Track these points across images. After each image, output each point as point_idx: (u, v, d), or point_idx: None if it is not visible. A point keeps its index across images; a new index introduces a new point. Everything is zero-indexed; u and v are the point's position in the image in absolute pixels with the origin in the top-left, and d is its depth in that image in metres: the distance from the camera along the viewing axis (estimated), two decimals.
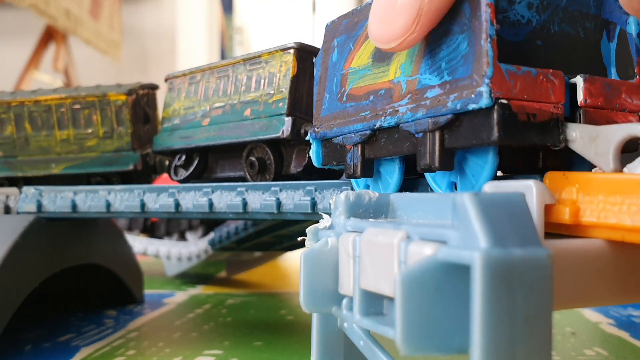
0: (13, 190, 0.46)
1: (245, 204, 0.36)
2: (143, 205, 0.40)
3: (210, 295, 0.61)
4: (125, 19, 2.10)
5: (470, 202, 0.19)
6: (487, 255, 0.18)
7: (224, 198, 0.37)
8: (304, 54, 0.39)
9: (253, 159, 0.40)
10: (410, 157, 0.28)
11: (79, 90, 0.48)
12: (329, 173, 0.37)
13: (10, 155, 0.49)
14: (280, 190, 0.35)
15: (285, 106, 0.38)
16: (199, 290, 0.64)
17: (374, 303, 0.23)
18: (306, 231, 0.27)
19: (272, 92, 0.39)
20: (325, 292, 0.25)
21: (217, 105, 0.43)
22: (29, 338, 0.44)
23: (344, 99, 0.31)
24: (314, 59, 0.35)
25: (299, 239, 0.28)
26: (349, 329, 0.26)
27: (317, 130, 0.32)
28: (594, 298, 0.25)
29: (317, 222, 0.28)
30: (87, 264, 0.50)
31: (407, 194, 0.26)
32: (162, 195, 0.40)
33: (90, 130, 0.47)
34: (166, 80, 0.47)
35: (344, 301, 0.25)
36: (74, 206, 0.42)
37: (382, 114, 0.28)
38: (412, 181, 0.30)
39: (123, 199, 0.41)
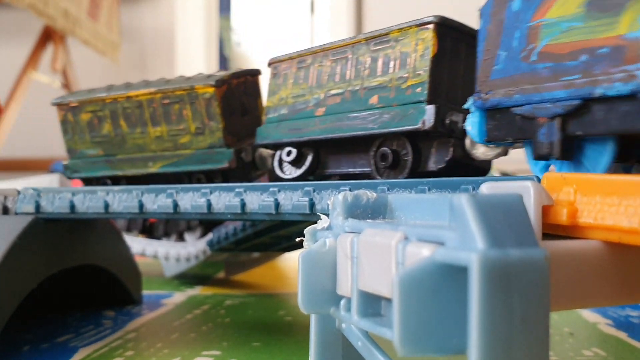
0: (11, 190, 0.46)
1: (243, 204, 0.36)
2: (141, 206, 0.40)
3: (208, 296, 0.60)
4: (124, 20, 2.10)
5: (467, 203, 0.19)
6: (484, 256, 0.18)
7: (222, 199, 0.37)
8: (445, 30, 0.34)
9: (387, 150, 0.35)
10: (625, 137, 0.24)
11: (168, 83, 0.46)
12: (471, 170, 0.34)
13: (110, 153, 0.47)
14: (279, 191, 0.35)
15: (425, 92, 0.33)
16: (198, 291, 0.64)
17: (372, 304, 0.23)
18: (304, 232, 0.27)
19: (405, 75, 0.34)
20: (323, 292, 0.26)
21: (333, 92, 0.38)
22: (28, 339, 0.44)
23: (534, 58, 0.26)
24: (480, 11, 0.29)
25: (297, 239, 0.28)
26: (347, 330, 0.26)
27: (484, 97, 0.28)
28: (591, 299, 0.25)
29: (316, 222, 0.28)
30: (86, 265, 0.50)
31: (405, 194, 0.27)
32: (160, 196, 0.40)
33: (182, 126, 0.44)
34: (270, 64, 0.43)
35: (342, 302, 0.25)
36: (72, 207, 0.42)
37: (605, 80, 0.23)
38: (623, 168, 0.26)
39: (121, 199, 0.41)
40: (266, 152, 0.44)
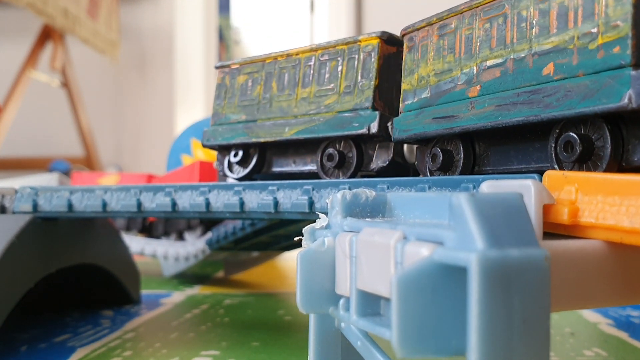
0: (9, 189, 0.45)
1: (242, 203, 0.36)
2: (139, 204, 0.40)
3: (207, 296, 0.60)
4: (123, 19, 2.10)
5: (466, 203, 0.19)
6: (484, 256, 0.18)
7: (221, 197, 0.37)
8: None
9: (574, 137, 0.26)
10: None
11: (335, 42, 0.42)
12: None
13: (251, 119, 0.44)
14: (278, 190, 0.35)
15: (628, 52, 0.24)
16: (197, 290, 0.64)
17: (371, 303, 0.23)
18: (303, 231, 0.27)
19: (594, 30, 0.25)
20: (322, 292, 0.25)
21: (490, 63, 0.30)
22: (25, 338, 0.44)
23: None
24: None
25: (296, 238, 0.28)
26: (346, 330, 0.26)
27: None
28: (592, 300, 0.25)
29: (315, 221, 0.27)
30: (84, 264, 0.50)
31: (405, 193, 0.26)
32: (158, 195, 0.40)
33: (331, 86, 0.40)
34: (403, 35, 0.36)
35: (341, 301, 0.25)
36: (70, 206, 0.42)
37: None
38: None
39: (119, 198, 0.41)
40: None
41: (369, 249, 0.22)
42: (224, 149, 0.46)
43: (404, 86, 0.35)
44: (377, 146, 0.38)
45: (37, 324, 0.48)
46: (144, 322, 0.49)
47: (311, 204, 0.33)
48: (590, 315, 0.51)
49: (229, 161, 0.45)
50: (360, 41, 0.39)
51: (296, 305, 0.26)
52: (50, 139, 2.15)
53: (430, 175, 0.34)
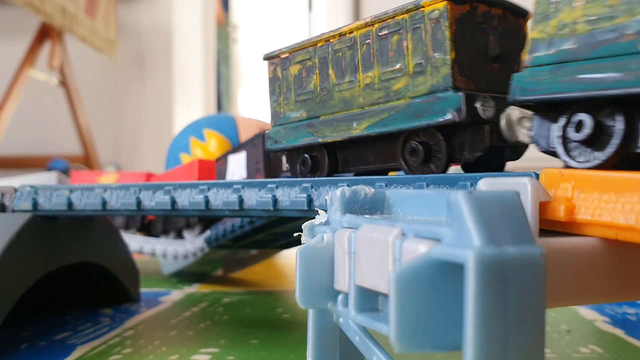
0: (8, 188, 0.46)
1: (241, 201, 0.36)
2: (139, 202, 0.40)
3: (206, 294, 0.60)
4: (121, 17, 2.10)
5: (463, 201, 0.19)
6: (480, 253, 0.18)
7: (220, 195, 0.37)
8: None
9: None
10: None
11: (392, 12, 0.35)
12: None
13: (313, 115, 0.39)
14: (276, 187, 0.35)
15: None
16: (195, 288, 0.64)
17: (369, 299, 0.23)
18: (302, 227, 0.27)
19: None
20: (321, 288, 0.26)
21: None
22: (25, 336, 0.44)
23: None
24: None
25: (295, 234, 0.28)
26: (344, 325, 0.26)
27: None
28: (588, 296, 0.25)
29: (314, 218, 0.28)
30: (83, 263, 0.50)
31: (403, 190, 0.27)
32: (158, 193, 0.40)
33: (398, 66, 0.34)
34: None
35: (340, 297, 0.25)
36: (70, 204, 0.42)
37: None
38: None
39: (119, 196, 0.41)
40: (517, 113, 0.31)
41: (368, 246, 0.23)
42: (291, 152, 0.42)
43: (533, 34, 0.28)
44: (467, 131, 0.32)
45: (38, 322, 0.48)
46: (143, 320, 0.49)
47: (310, 201, 0.33)
48: (586, 312, 0.51)
49: (300, 166, 0.41)
50: (423, 6, 0.32)
51: (295, 303, 0.26)
52: (49, 137, 2.15)
53: (568, 157, 0.27)
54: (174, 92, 2.19)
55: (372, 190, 0.26)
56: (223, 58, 2.90)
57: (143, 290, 0.60)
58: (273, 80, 0.41)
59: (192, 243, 0.63)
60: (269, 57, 0.42)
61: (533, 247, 0.19)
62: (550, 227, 0.26)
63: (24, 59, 1.66)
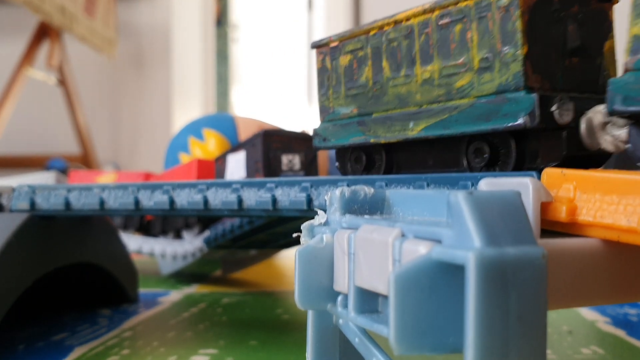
0: (6, 187, 0.45)
1: (240, 200, 0.36)
2: (137, 202, 0.40)
3: (205, 294, 0.60)
4: (120, 16, 2.10)
5: (464, 201, 0.19)
6: (481, 254, 0.18)
7: (219, 195, 0.37)
8: None
9: None
10: None
11: None
12: None
13: (364, 112, 0.35)
14: (276, 187, 0.35)
15: None
16: (194, 289, 0.64)
17: (369, 300, 0.23)
18: (301, 227, 0.27)
19: None
20: (320, 289, 0.25)
21: None
22: (23, 337, 0.44)
23: None
24: None
25: (294, 235, 0.28)
26: (344, 326, 0.26)
27: None
28: (589, 298, 0.25)
29: (313, 218, 0.27)
30: (81, 263, 0.50)
31: (403, 190, 0.26)
32: (156, 193, 0.40)
33: (461, 60, 0.30)
34: None
35: (339, 298, 0.25)
36: (68, 204, 0.42)
37: None
38: None
39: (117, 196, 0.41)
40: (599, 117, 0.27)
41: (367, 246, 0.22)
42: (342, 150, 0.39)
43: (635, 30, 0.24)
44: (541, 137, 0.29)
45: (35, 323, 0.48)
46: (141, 320, 0.49)
47: (309, 201, 0.33)
48: (588, 313, 0.51)
49: (352, 164, 0.38)
50: None
51: (294, 304, 0.26)
52: (47, 137, 2.15)
53: None
54: (173, 91, 2.19)
55: (372, 190, 0.26)
56: (222, 58, 2.90)
57: (141, 290, 0.60)
58: (322, 71, 0.38)
59: (191, 243, 0.62)
60: (317, 46, 0.38)
61: (534, 248, 0.19)
62: (551, 228, 0.26)
63: (23, 58, 1.66)
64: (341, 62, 0.37)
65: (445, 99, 0.31)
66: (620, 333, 0.45)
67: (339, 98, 0.37)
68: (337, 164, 0.39)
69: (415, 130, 0.32)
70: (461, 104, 0.30)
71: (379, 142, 0.34)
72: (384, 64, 0.34)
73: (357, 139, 0.36)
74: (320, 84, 0.38)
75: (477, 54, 0.29)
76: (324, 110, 0.38)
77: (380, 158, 0.36)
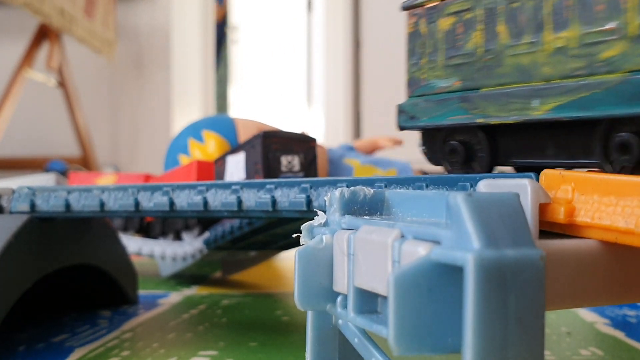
0: (6, 189, 0.45)
1: (240, 202, 0.36)
2: (137, 204, 0.40)
3: (205, 296, 0.60)
4: (120, 18, 2.10)
5: (463, 203, 0.19)
6: (480, 256, 0.18)
7: (219, 196, 0.37)
8: None
9: None
10: None
11: None
12: None
13: (470, 86, 0.30)
14: (275, 188, 0.35)
15: None
16: (194, 290, 0.64)
17: (368, 301, 0.23)
18: (301, 228, 0.27)
19: None
20: (319, 289, 0.25)
21: None
22: (23, 338, 0.44)
23: None
24: None
25: (294, 235, 0.28)
26: (343, 326, 0.26)
27: None
28: (587, 298, 0.25)
29: (313, 219, 0.28)
30: (81, 264, 0.50)
31: (403, 191, 0.26)
32: (156, 194, 0.40)
33: (611, 24, 0.25)
34: None
35: (339, 299, 0.25)
36: (68, 205, 0.42)
37: None
38: None
39: (117, 197, 0.41)
40: None
41: (367, 247, 0.23)
42: (432, 132, 0.33)
43: None
44: None
45: (35, 324, 0.48)
46: (141, 322, 0.49)
47: (309, 202, 0.33)
48: (586, 314, 0.51)
49: (447, 156, 0.32)
50: None
51: (294, 305, 0.26)
52: (47, 138, 2.15)
53: None
54: (173, 93, 2.19)
55: (371, 191, 0.26)
56: (222, 59, 2.90)
57: (141, 292, 0.60)
58: (414, 36, 0.32)
59: (191, 245, 0.62)
60: (409, 7, 0.33)
61: (533, 250, 0.19)
62: (550, 229, 0.26)
63: (22, 60, 1.66)
64: (441, 25, 0.31)
65: (586, 73, 0.26)
66: (619, 334, 0.45)
67: (436, 68, 0.31)
68: (422, 148, 0.34)
69: (541, 109, 0.27)
70: (608, 80, 0.25)
71: (489, 123, 0.29)
72: (500, 28, 0.29)
73: (457, 117, 0.30)
74: (411, 52, 0.33)
75: (634, 17, 0.24)
76: (413, 83, 0.33)
77: (480, 144, 0.30)
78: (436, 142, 0.33)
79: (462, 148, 0.31)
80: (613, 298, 0.26)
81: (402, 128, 0.34)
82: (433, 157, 0.33)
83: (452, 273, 0.19)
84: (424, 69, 0.32)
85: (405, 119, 0.33)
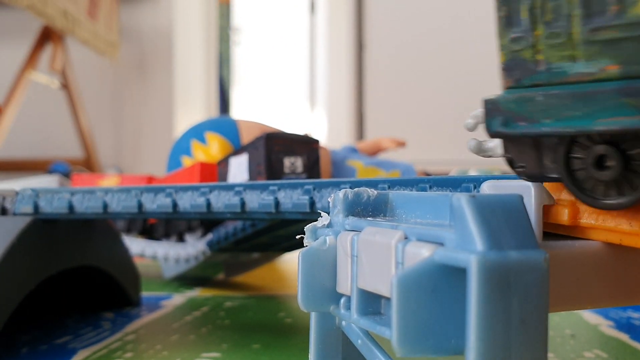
0: (9, 191, 0.45)
1: (243, 203, 0.36)
2: (140, 205, 0.40)
3: (208, 298, 0.60)
4: (123, 20, 2.10)
5: (467, 204, 0.19)
6: (483, 258, 0.18)
7: (222, 198, 0.37)
8: None
9: None
10: None
11: None
12: None
13: (633, 72, 0.19)
14: (278, 190, 0.35)
15: None
16: (197, 292, 0.64)
17: (372, 302, 0.23)
18: (304, 229, 0.27)
19: None
20: (323, 290, 0.25)
21: None
22: (26, 340, 0.44)
23: None
24: None
25: (298, 236, 0.28)
26: (347, 328, 0.26)
27: None
28: (591, 300, 0.25)
29: (316, 220, 0.28)
30: (84, 266, 0.50)
31: (406, 192, 0.26)
32: (159, 196, 0.40)
33: None
34: None
35: (342, 300, 0.25)
36: (71, 207, 0.42)
37: None
38: None
39: (120, 199, 0.41)
40: None
41: (370, 249, 0.23)
42: (548, 141, 0.23)
43: None
44: None
45: (38, 326, 0.48)
46: (144, 324, 0.49)
47: (312, 203, 0.33)
48: (590, 316, 0.51)
49: (590, 170, 0.22)
50: None
51: (297, 307, 0.26)
52: (50, 140, 2.15)
53: None
54: (176, 94, 2.19)
55: (375, 192, 0.26)
56: (225, 60, 2.90)
57: (144, 294, 0.60)
58: None
59: (194, 246, 0.62)
60: None
61: (536, 252, 0.19)
62: (554, 231, 0.26)
63: (26, 62, 1.67)
64: None
65: None
66: (624, 337, 0.45)
67: (566, 45, 0.20)
68: (509, 157, 0.24)
69: None
70: None
71: None
72: None
73: (618, 120, 0.19)
74: (508, 19, 0.22)
75: None
76: (517, 67, 0.22)
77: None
78: (545, 151, 0.23)
79: (616, 158, 0.20)
80: (617, 300, 0.26)
81: (496, 135, 0.23)
82: (534, 171, 0.24)
83: (455, 275, 0.19)
84: (540, 45, 0.21)
85: (505, 121, 0.22)
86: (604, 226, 0.24)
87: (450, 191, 0.29)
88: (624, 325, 0.48)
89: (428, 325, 0.19)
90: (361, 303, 0.23)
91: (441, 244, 0.20)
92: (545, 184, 0.26)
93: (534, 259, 0.19)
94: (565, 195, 0.26)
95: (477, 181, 0.28)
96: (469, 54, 2.67)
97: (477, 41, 2.70)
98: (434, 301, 0.19)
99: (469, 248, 0.19)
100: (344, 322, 0.26)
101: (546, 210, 0.25)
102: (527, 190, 0.25)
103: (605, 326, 0.48)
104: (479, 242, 0.18)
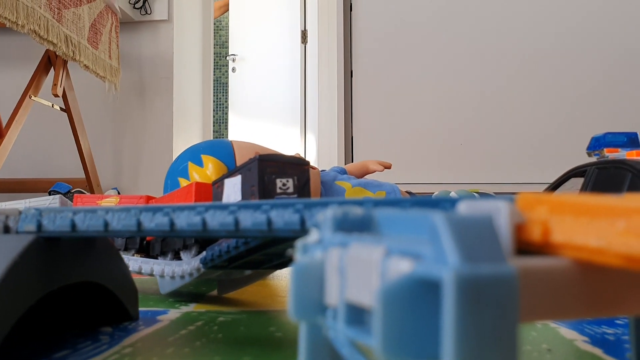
0: (13, 210, 0.47)
1: (237, 222, 0.38)
2: (139, 224, 0.42)
3: (202, 313, 0.62)
4: (123, 47, 2.13)
5: (442, 222, 0.21)
6: (456, 272, 0.20)
7: (217, 217, 0.39)
8: None
9: None
10: None
11: None
12: None
13: None
14: (271, 209, 0.37)
15: None
16: (192, 308, 0.65)
17: (357, 313, 0.25)
18: (296, 245, 0.29)
19: None
20: (312, 302, 0.27)
21: None
22: (26, 354, 0.45)
23: None
24: None
25: (289, 251, 0.30)
26: (334, 337, 0.28)
27: None
28: (561, 312, 0.27)
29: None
30: (84, 282, 0.51)
31: (390, 210, 0.28)
32: (157, 215, 0.41)
33: None
34: None
35: (330, 311, 0.27)
36: (73, 225, 0.44)
37: None
38: None
39: (120, 218, 0.43)
40: None
41: (356, 263, 0.24)
42: None
43: None
44: None
45: (38, 340, 0.50)
46: (141, 337, 0.51)
47: (302, 222, 0.35)
48: (566, 332, 0.52)
49: None
50: None
51: (287, 322, 0.27)
52: (52, 162, 2.16)
53: None
54: (174, 119, 2.21)
55: (361, 210, 0.28)
56: (221, 85, 2.93)
57: (141, 309, 0.61)
58: None
59: (189, 264, 0.64)
60: None
61: (506, 267, 0.21)
62: (527, 249, 0.28)
63: (29, 85, 1.69)
64: None
65: None
66: (598, 351, 0.46)
67: None
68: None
69: None
70: None
71: None
72: None
73: None
74: None
75: None
76: None
77: None
78: None
79: None
80: (585, 312, 0.28)
81: None
82: None
83: (432, 288, 0.21)
84: None
85: None
86: (573, 243, 0.26)
87: (430, 210, 0.31)
88: (599, 341, 0.49)
89: (408, 334, 0.21)
90: (347, 314, 0.25)
91: (419, 259, 0.22)
92: (517, 203, 0.28)
93: (504, 273, 0.21)
94: (537, 214, 0.28)
95: (454, 202, 0.30)
96: (452, 82, 2.71)
97: (460, 72, 2.74)
98: (413, 312, 0.21)
99: (444, 263, 0.20)
100: (331, 332, 0.28)
101: (519, 229, 0.27)
102: (500, 210, 0.27)
103: (580, 341, 0.49)
104: (452, 258, 0.20)
